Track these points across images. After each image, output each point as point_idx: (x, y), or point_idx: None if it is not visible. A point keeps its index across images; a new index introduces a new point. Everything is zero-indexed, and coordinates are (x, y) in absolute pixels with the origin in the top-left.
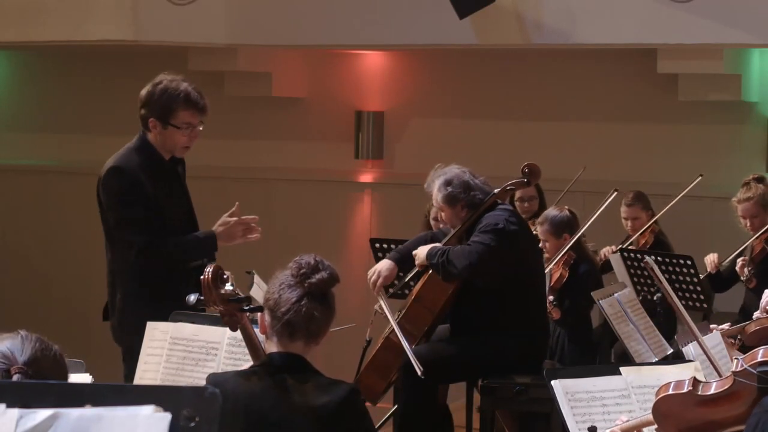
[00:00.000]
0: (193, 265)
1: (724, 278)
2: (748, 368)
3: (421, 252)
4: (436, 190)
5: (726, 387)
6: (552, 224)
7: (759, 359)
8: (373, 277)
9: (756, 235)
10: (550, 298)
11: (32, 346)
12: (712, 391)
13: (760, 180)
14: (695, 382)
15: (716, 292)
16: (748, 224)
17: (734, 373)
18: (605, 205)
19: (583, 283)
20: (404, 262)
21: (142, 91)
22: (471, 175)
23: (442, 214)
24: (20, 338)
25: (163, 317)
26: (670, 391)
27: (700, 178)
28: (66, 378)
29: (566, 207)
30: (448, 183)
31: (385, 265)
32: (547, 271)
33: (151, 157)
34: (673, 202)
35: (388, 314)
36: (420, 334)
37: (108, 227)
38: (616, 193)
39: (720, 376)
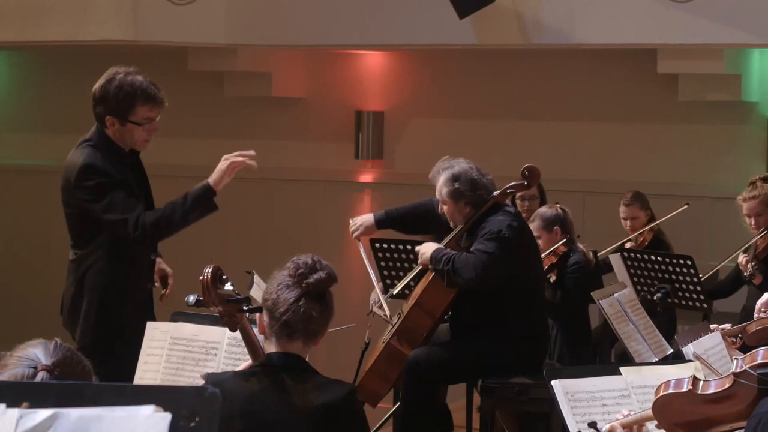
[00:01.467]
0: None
1: (720, 288)
2: (748, 369)
3: (425, 251)
4: (441, 182)
5: (725, 387)
6: (543, 219)
7: (759, 361)
8: (352, 228)
9: (760, 234)
10: None
11: (62, 352)
12: (712, 390)
13: (766, 180)
14: (695, 380)
15: (718, 298)
16: (753, 222)
17: (734, 374)
18: (555, 246)
19: (574, 274)
20: (387, 224)
21: (95, 86)
22: (479, 173)
23: (444, 207)
24: (53, 344)
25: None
26: (670, 390)
27: (686, 206)
28: None
29: (557, 203)
30: (455, 178)
31: (368, 221)
32: None
33: (113, 152)
34: (655, 223)
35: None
36: (420, 339)
37: (74, 227)
38: (564, 241)
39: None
